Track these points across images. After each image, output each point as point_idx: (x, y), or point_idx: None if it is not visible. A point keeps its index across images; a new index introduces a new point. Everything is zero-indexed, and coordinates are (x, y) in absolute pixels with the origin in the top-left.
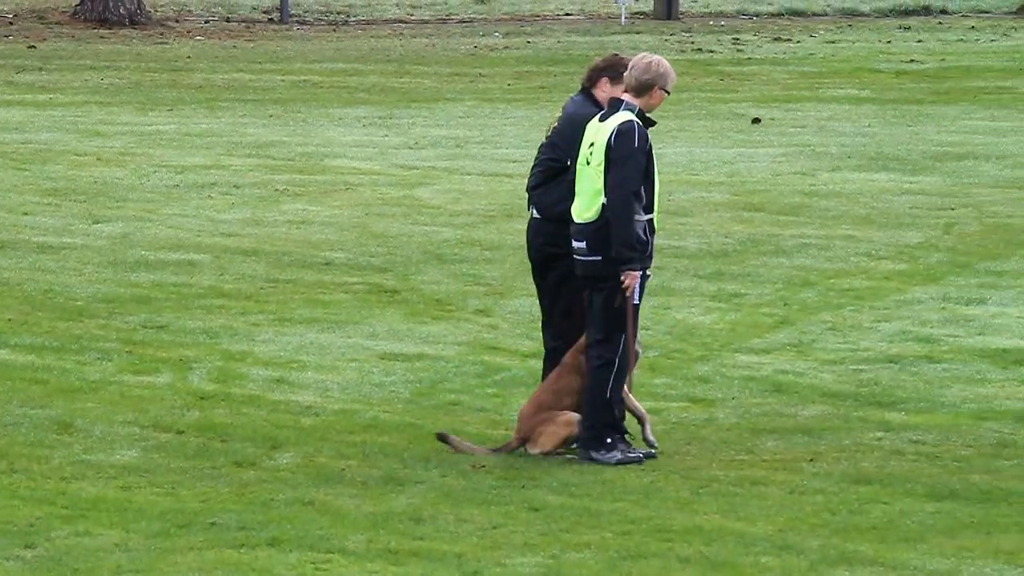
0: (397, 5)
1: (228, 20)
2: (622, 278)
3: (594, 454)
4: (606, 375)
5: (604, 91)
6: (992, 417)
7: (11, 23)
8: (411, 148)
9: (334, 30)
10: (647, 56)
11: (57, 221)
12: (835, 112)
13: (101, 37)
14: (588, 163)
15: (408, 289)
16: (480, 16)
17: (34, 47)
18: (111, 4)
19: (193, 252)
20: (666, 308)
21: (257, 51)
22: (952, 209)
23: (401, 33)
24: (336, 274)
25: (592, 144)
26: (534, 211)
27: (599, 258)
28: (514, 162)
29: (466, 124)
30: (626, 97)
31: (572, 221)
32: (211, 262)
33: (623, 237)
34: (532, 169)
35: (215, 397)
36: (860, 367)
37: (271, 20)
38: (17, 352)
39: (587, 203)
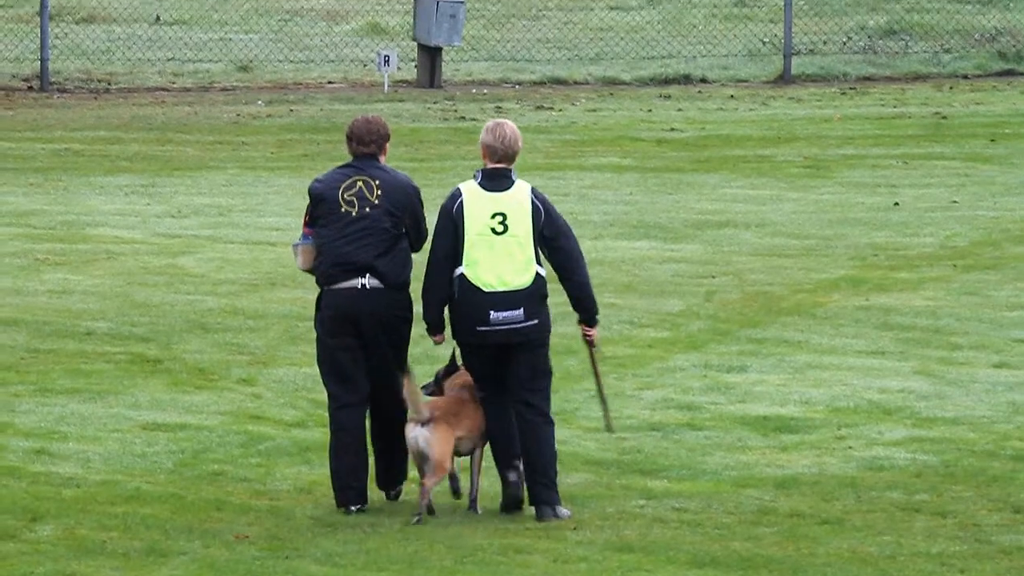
0: (159, 73)
1: None
2: (592, 333)
3: (560, 509)
4: (553, 430)
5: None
6: (753, 484)
7: None
8: (174, 217)
9: (95, 98)
10: (507, 125)
11: None
12: (597, 180)
13: None
14: (500, 232)
15: (171, 358)
16: (243, 84)
17: None
18: None
19: None
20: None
21: (16, 119)
22: (713, 277)
23: (163, 101)
24: (98, 344)
25: (499, 214)
26: (369, 280)
27: (535, 322)
28: (277, 230)
29: (229, 192)
30: (502, 166)
31: (478, 291)
32: None
33: (592, 296)
34: (358, 239)
35: None
36: (623, 435)
37: (31, 88)
38: None
39: (518, 270)
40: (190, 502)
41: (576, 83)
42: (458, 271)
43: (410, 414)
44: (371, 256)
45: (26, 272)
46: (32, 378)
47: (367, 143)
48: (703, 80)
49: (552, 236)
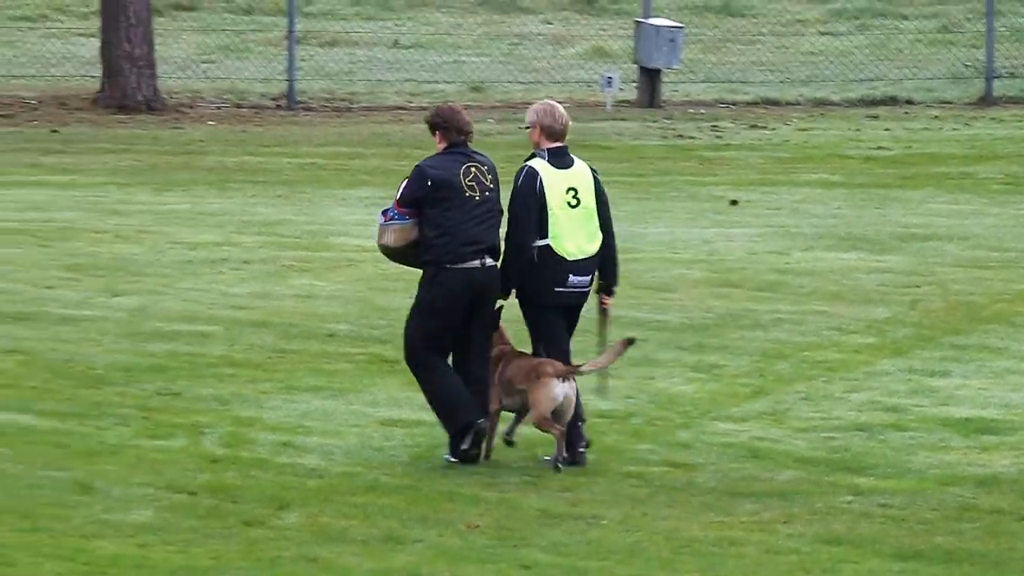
0: (397, 93)
1: (239, 106)
2: (609, 303)
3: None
4: None
5: None
6: (955, 482)
7: (35, 108)
8: None
9: (338, 116)
10: (558, 106)
11: (78, 295)
12: (808, 195)
13: (120, 122)
14: (574, 206)
15: None
16: (475, 103)
17: (57, 131)
18: (129, 91)
19: (205, 324)
20: (649, 378)
21: (266, 135)
22: (918, 287)
23: (401, 119)
24: (339, 345)
25: (572, 189)
26: (488, 259)
27: (592, 286)
28: None
29: None
30: (562, 144)
31: (561, 260)
32: (222, 333)
33: (618, 265)
34: (484, 221)
35: (226, 460)
36: (831, 435)
37: (279, 106)
38: (40, 418)
39: (588, 239)
40: (424, 493)
41: (788, 104)
42: (542, 242)
43: (553, 371)
44: (494, 237)
45: (274, 278)
46: (279, 376)
47: (466, 132)
48: (908, 102)
49: (601, 206)
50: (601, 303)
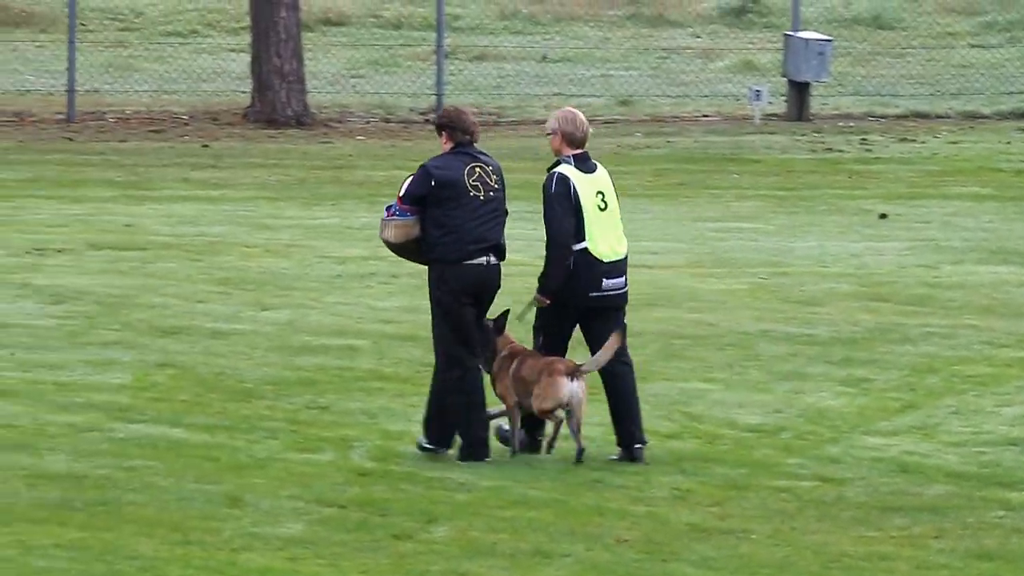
0: (545, 107)
1: (387, 120)
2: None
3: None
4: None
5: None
6: None
7: (187, 123)
8: None
9: (486, 129)
10: (579, 113)
11: (228, 309)
12: (958, 208)
13: (270, 137)
14: (603, 209)
15: None
16: (623, 117)
17: (207, 146)
18: (279, 106)
19: (354, 338)
20: (798, 392)
21: (414, 149)
22: None
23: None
24: None
25: (600, 192)
26: (492, 257)
27: (627, 288)
28: (654, 254)
29: None
30: (584, 150)
31: (597, 261)
32: (371, 347)
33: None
34: (489, 220)
35: (375, 474)
36: (982, 449)
37: (427, 120)
38: (191, 431)
39: (618, 240)
40: (572, 507)
41: (938, 117)
42: (580, 246)
43: (563, 368)
44: (499, 235)
45: (421, 291)
46: (426, 390)
47: (471, 132)
48: None
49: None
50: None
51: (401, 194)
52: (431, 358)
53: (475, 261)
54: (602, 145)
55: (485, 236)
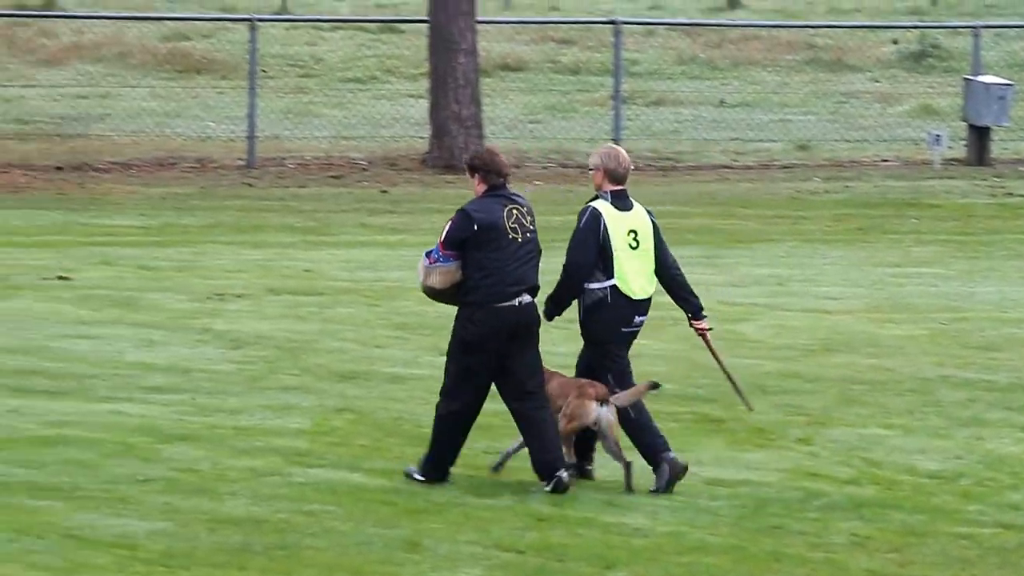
0: (723, 152)
1: (563, 166)
2: (703, 325)
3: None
4: None
5: None
6: None
7: (365, 169)
8: (734, 286)
9: (664, 175)
10: (621, 150)
11: (406, 353)
12: None
13: (447, 182)
14: (634, 247)
15: (732, 419)
16: (801, 162)
17: (386, 191)
18: (457, 151)
19: None
20: (978, 438)
21: (590, 194)
22: None
23: (726, 178)
24: (666, 403)
25: (632, 231)
26: (526, 296)
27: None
28: (834, 299)
29: (787, 263)
30: (623, 187)
31: (629, 299)
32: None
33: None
34: (526, 261)
35: (552, 519)
36: None
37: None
38: (370, 475)
39: (648, 280)
40: (750, 553)
41: None
42: (610, 282)
43: (594, 393)
44: (535, 276)
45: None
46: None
47: (504, 174)
48: None
49: (659, 245)
50: (697, 330)
51: (442, 239)
52: None
53: (509, 303)
54: (780, 190)
55: (523, 278)
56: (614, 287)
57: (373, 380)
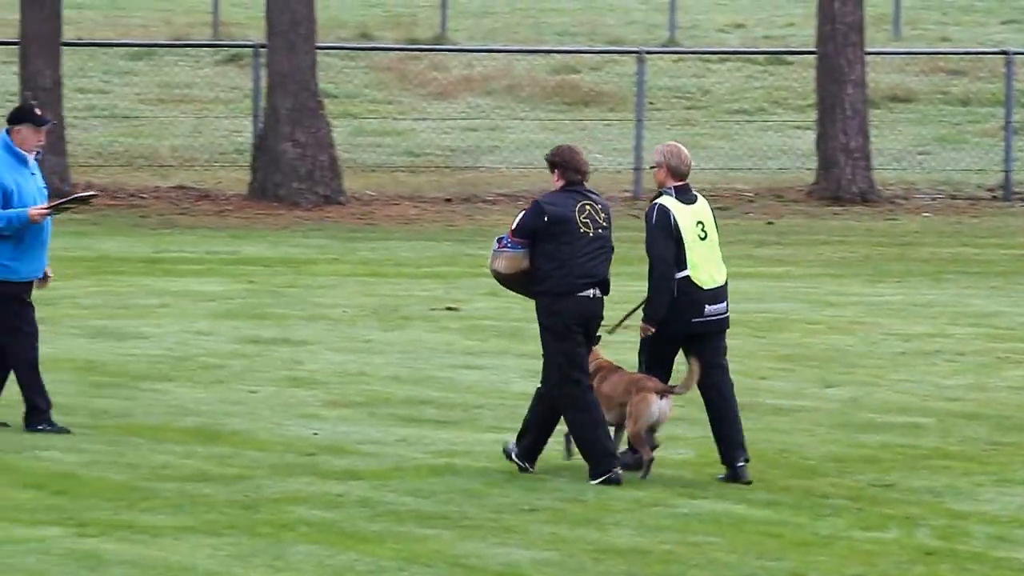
0: None
1: (953, 197)
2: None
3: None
4: None
5: None
6: None
7: (751, 201)
8: None
9: None
10: (683, 147)
11: (791, 385)
12: None
13: (834, 214)
14: (703, 238)
15: None
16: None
17: (772, 223)
18: (844, 183)
19: (919, 415)
20: None
21: (980, 227)
22: None
23: None
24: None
25: (700, 223)
26: (598, 291)
27: (728, 313)
28: None
29: None
30: (685, 182)
31: (699, 289)
32: (936, 425)
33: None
34: (597, 256)
35: (940, 553)
36: None
37: (995, 197)
38: (754, 507)
39: (718, 268)
40: None
41: None
42: (682, 274)
43: (653, 387)
44: (605, 271)
45: (988, 369)
46: (993, 468)
47: (583, 172)
48: None
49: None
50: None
51: (514, 227)
52: (998, 436)
53: (583, 294)
54: None
55: (592, 271)
56: (686, 277)
57: (757, 412)
